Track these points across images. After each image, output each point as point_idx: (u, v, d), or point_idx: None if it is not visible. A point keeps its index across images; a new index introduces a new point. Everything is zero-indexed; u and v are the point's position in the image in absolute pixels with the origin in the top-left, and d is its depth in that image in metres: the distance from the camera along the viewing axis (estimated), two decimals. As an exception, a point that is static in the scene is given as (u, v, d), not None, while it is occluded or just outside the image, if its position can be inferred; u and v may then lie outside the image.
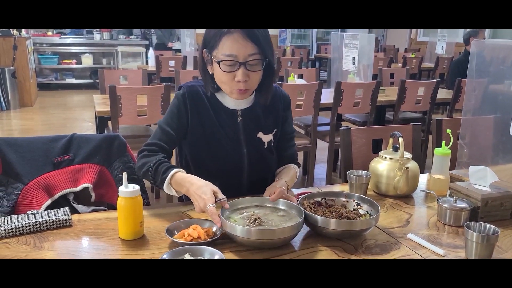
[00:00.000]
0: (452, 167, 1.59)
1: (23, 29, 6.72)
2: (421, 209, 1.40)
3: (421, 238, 1.17)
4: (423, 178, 1.67)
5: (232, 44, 1.24)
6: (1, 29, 6.23)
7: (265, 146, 1.44)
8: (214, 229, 1.14)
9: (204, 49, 1.33)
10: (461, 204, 1.27)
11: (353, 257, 1.07)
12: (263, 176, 1.48)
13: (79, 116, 6.01)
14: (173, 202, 1.72)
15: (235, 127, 1.40)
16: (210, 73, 1.35)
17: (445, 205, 1.27)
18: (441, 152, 1.51)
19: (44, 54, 7.94)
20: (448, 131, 1.56)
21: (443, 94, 3.93)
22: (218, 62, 1.26)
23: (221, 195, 1.18)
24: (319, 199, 1.30)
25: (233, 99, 1.38)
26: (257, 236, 1.06)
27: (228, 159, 1.39)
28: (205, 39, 1.32)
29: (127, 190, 1.11)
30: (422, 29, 9.51)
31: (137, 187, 1.12)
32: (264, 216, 1.19)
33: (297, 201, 1.31)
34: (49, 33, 8.27)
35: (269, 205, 1.25)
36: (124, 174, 1.13)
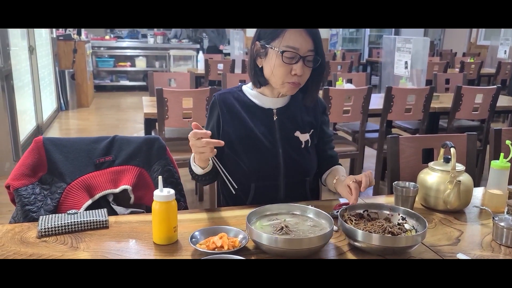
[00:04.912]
0: (511, 181, 1.45)
1: (83, 33, 7.06)
2: (473, 227, 1.29)
3: (472, 259, 1.07)
4: (478, 193, 1.54)
5: (296, 38, 1.27)
6: (63, 34, 6.57)
7: (303, 146, 1.43)
8: (240, 237, 1.10)
9: (258, 41, 1.34)
10: (521, 224, 1.15)
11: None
12: (301, 178, 1.45)
13: (131, 118, 6.20)
14: (215, 206, 1.71)
15: (270, 126, 1.41)
16: (260, 66, 1.36)
17: (502, 224, 1.15)
18: (499, 165, 1.38)
19: (101, 57, 8.30)
20: (508, 142, 1.43)
21: (505, 101, 3.66)
22: (282, 52, 1.27)
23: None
24: (361, 211, 1.23)
25: (269, 99, 1.41)
26: (284, 245, 1.02)
27: (264, 158, 1.39)
28: (262, 32, 1.33)
29: (162, 194, 1.10)
30: (482, 33, 9.01)
31: (172, 191, 1.11)
32: (293, 226, 1.14)
33: (337, 212, 1.24)
34: (107, 37, 8.63)
35: (298, 212, 1.22)
36: (160, 178, 1.12)
